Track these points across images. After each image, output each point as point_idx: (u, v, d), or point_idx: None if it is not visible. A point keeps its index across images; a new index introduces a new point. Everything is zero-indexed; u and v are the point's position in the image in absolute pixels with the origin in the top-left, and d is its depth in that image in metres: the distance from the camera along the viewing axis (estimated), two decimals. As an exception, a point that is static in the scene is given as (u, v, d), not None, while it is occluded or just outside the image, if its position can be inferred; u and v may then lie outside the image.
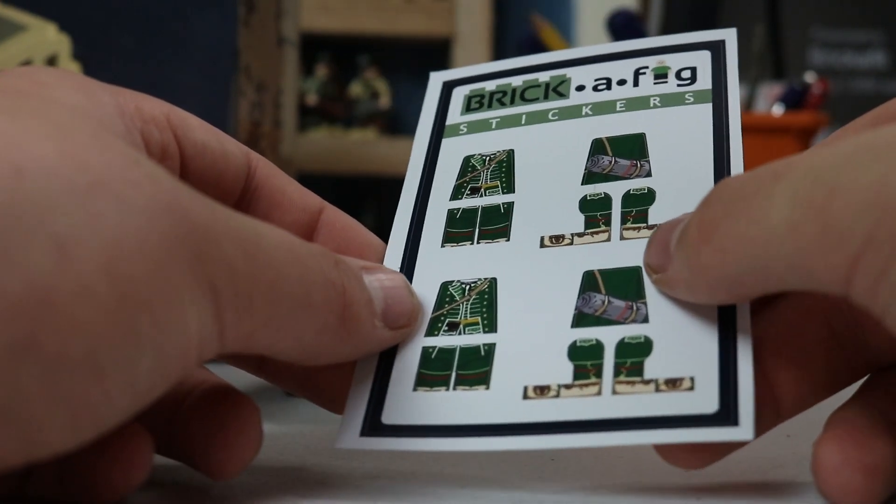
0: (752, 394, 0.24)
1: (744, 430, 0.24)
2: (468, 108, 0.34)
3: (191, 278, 0.21)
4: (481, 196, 0.31)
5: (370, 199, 1.76)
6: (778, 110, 0.89)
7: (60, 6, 0.51)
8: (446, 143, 0.33)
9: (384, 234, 0.31)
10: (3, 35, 0.50)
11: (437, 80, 0.35)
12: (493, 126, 0.33)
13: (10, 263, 0.18)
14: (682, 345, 0.26)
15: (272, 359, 0.26)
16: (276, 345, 0.24)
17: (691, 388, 0.25)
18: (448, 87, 0.35)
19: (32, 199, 0.19)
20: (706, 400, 0.25)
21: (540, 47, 0.89)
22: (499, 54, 1.77)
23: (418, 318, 0.28)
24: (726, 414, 0.24)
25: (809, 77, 0.93)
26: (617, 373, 0.26)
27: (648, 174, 0.30)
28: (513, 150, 0.32)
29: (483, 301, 0.28)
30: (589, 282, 0.28)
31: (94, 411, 0.20)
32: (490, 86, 0.34)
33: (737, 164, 0.29)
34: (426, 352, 0.28)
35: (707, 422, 0.24)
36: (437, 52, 1.77)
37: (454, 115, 0.34)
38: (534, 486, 0.27)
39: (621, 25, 0.87)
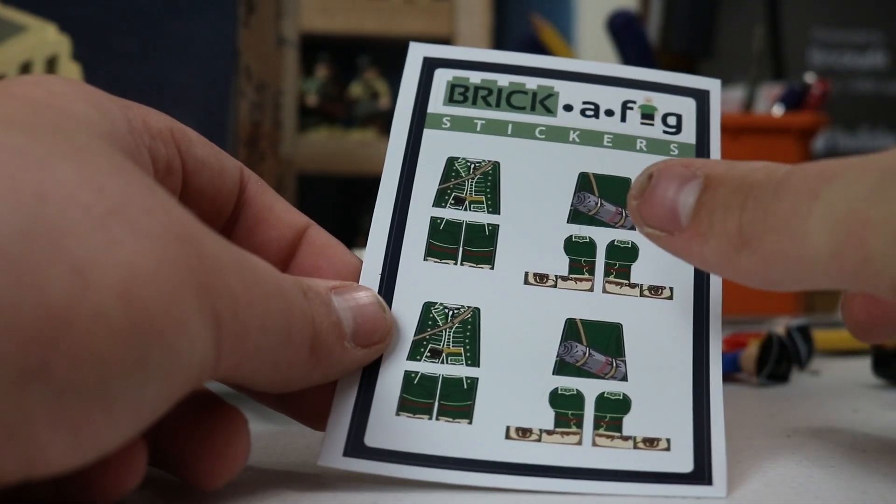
0: (725, 455, 0.27)
1: (717, 488, 0.26)
2: (451, 99, 0.33)
3: (197, 307, 0.21)
4: (466, 209, 0.31)
5: (370, 199, 1.76)
6: (778, 111, 0.89)
7: (60, 7, 0.51)
8: (428, 136, 0.32)
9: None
10: (3, 36, 0.50)
11: (417, 52, 0.34)
12: (479, 129, 0.33)
13: (27, 288, 0.18)
14: (658, 406, 0.28)
15: None
16: (254, 375, 0.25)
17: (667, 449, 0.27)
18: (429, 66, 0.34)
19: (53, 225, 0.19)
20: (681, 460, 0.27)
21: (540, 48, 0.89)
22: (499, 55, 1.77)
23: (392, 333, 0.28)
24: (701, 474, 0.26)
25: (809, 77, 0.93)
26: (597, 426, 0.27)
27: (633, 227, 0.31)
28: (499, 164, 0.32)
29: (466, 331, 0.29)
30: (571, 330, 0.29)
31: (98, 435, 0.20)
32: (475, 78, 0.33)
33: None
34: (408, 376, 0.28)
35: (683, 479, 0.26)
36: (437, 53, 1.77)
37: (436, 104, 0.33)
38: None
39: (621, 26, 0.87)
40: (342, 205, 1.76)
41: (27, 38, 0.50)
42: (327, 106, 1.72)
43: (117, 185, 0.21)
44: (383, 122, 1.75)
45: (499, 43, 1.77)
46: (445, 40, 1.73)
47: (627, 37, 0.87)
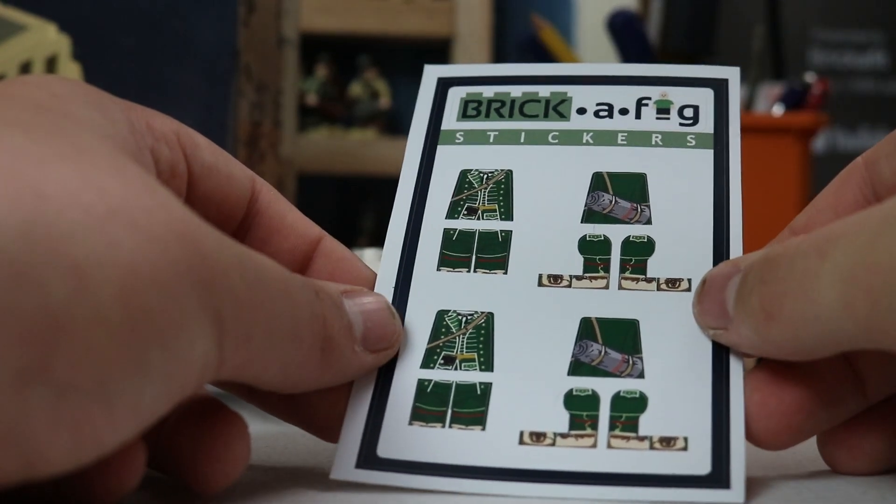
0: (744, 458, 0.26)
1: (735, 493, 0.25)
2: (465, 115, 0.33)
3: (199, 307, 0.21)
4: (478, 219, 0.31)
5: (370, 199, 1.76)
6: (778, 110, 0.89)
7: (60, 7, 0.51)
8: (441, 151, 0.32)
9: (383, 235, 0.31)
10: (4, 35, 0.50)
11: (431, 74, 0.34)
12: (491, 140, 0.32)
13: (27, 288, 0.18)
14: (676, 404, 0.27)
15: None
16: (262, 374, 0.25)
17: (685, 449, 0.26)
18: (444, 85, 0.34)
19: (53, 225, 0.19)
20: (699, 461, 0.26)
21: (540, 48, 0.89)
22: (499, 55, 1.77)
23: (401, 340, 0.28)
24: (718, 476, 0.25)
25: (809, 77, 0.93)
26: (612, 427, 0.27)
27: (648, 221, 0.30)
28: (511, 172, 0.32)
29: (480, 336, 0.29)
30: (586, 329, 0.28)
31: (97, 436, 0.20)
32: (488, 92, 0.33)
33: (736, 222, 0.30)
34: (422, 384, 0.28)
35: (699, 483, 0.25)
36: (437, 53, 1.77)
37: (450, 120, 0.33)
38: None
39: (621, 26, 0.87)
40: (342, 205, 1.76)
41: (27, 38, 0.50)
42: (327, 106, 1.72)
43: (118, 185, 0.21)
44: (383, 121, 1.75)
45: (499, 43, 1.77)
46: (445, 40, 1.73)
47: (627, 36, 0.87)
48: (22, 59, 0.50)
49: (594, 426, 0.27)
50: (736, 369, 0.27)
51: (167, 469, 0.26)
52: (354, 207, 1.75)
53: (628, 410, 0.27)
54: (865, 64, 1.76)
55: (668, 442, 0.26)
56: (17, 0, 0.50)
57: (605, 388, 0.27)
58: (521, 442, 0.27)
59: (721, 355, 0.28)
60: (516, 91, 0.33)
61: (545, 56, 0.87)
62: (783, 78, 1.07)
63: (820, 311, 0.24)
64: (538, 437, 0.27)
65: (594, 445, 0.26)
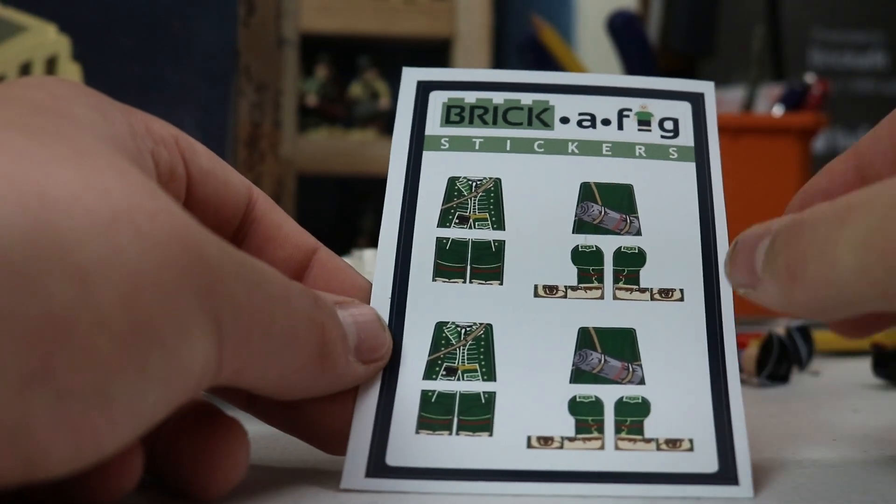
0: (749, 455, 0.26)
1: (744, 489, 0.26)
2: (448, 120, 0.33)
3: (199, 312, 0.21)
4: (470, 228, 0.31)
5: (370, 199, 1.76)
6: (778, 111, 0.89)
7: (60, 7, 0.51)
8: (427, 158, 0.33)
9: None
10: (3, 36, 0.50)
11: (410, 77, 0.34)
12: (477, 147, 0.33)
13: (31, 292, 0.18)
14: (678, 407, 0.28)
15: (262, 397, 0.27)
16: (259, 380, 0.25)
17: (691, 449, 0.27)
18: (424, 89, 0.34)
19: (57, 229, 0.19)
20: (706, 461, 0.26)
21: (540, 48, 0.89)
22: (499, 55, 1.77)
23: (390, 352, 0.28)
24: (726, 474, 0.26)
25: (809, 78, 0.93)
26: (618, 430, 0.27)
27: (638, 232, 0.31)
28: (500, 180, 0.32)
29: (480, 348, 0.29)
30: (584, 339, 0.29)
31: (97, 439, 0.20)
32: (469, 97, 0.34)
33: (721, 234, 0.31)
34: (425, 395, 0.28)
35: (708, 480, 0.26)
36: (437, 53, 1.77)
37: (433, 126, 0.33)
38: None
39: (621, 26, 0.87)
40: (342, 205, 1.76)
41: (27, 39, 0.50)
42: (327, 106, 1.72)
43: (120, 188, 0.21)
44: (383, 122, 1.75)
45: (499, 43, 1.77)
46: (445, 40, 1.73)
47: (627, 37, 0.87)
48: (22, 59, 0.50)
49: (600, 429, 0.27)
50: (732, 371, 0.28)
51: (165, 476, 0.26)
52: (354, 207, 1.75)
53: (632, 415, 0.27)
54: (865, 64, 1.76)
55: (674, 443, 0.27)
56: (17, 0, 0.50)
57: (608, 394, 0.28)
58: (530, 446, 0.27)
59: (717, 359, 0.28)
60: (498, 98, 0.34)
61: (545, 56, 0.87)
62: (783, 78, 1.07)
63: (839, 275, 0.24)
64: (546, 440, 0.27)
65: (602, 447, 0.27)
